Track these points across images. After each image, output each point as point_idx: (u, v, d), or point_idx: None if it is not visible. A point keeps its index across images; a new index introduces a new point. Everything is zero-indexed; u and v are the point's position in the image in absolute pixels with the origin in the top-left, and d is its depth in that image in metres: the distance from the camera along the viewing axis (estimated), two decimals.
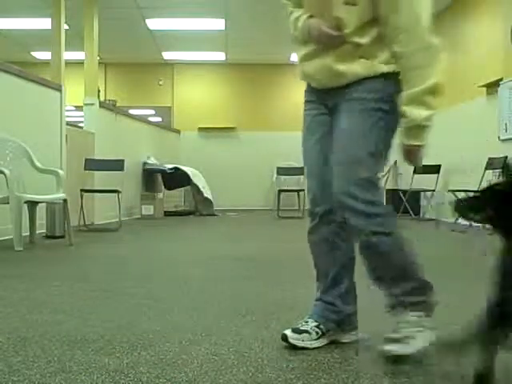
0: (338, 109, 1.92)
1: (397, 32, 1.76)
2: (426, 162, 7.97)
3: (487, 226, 1.62)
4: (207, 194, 10.02)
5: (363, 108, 1.85)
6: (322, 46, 1.88)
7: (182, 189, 10.71)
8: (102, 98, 9.57)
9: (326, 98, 1.96)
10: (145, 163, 9.93)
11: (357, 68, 1.85)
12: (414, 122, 1.79)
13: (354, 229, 1.85)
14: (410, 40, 1.76)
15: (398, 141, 1.86)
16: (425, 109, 1.79)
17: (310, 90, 2.04)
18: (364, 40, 1.82)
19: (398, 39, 1.77)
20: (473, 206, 1.60)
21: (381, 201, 1.87)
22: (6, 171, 4.87)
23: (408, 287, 1.84)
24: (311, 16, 1.90)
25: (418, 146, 1.84)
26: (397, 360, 1.75)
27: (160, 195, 9.71)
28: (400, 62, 1.79)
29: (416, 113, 1.78)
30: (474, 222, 1.66)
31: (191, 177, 9.87)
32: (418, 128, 1.81)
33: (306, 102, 2.05)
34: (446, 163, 8.39)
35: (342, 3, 1.78)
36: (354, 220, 1.82)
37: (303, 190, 9.84)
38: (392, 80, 1.82)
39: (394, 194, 9.49)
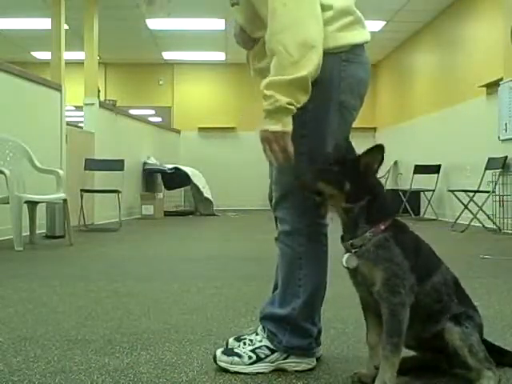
0: None
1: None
2: (426, 162, 8.00)
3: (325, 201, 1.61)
4: (207, 193, 10.02)
5: None
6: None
7: (182, 189, 10.71)
8: (102, 98, 9.57)
9: None
10: (145, 163, 9.93)
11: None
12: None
13: None
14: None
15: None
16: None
17: None
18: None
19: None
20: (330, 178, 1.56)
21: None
22: (6, 171, 4.87)
23: None
24: None
25: (273, 132, 1.58)
26: None
27: (160, 195, 9.71)
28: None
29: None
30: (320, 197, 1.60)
31: (191, 177, 9.87)
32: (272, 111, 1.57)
33: None
34: (446, 163, 8.40)
35: (231, 6, 1.77)
36: None
37: None
38: None
39: (393, 194, 9.50)
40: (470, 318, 1.57)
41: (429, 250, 1.64)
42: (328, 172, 1.58)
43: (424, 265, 1.57)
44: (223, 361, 1.75)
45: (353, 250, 1.57)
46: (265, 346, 1.75)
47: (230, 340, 1.91)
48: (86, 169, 7.39)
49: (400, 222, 1.62)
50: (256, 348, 1.76)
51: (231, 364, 1.74)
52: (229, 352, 1.77)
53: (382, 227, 1.55)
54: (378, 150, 1.54)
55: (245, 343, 1.79)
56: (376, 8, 8.82)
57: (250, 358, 1.74)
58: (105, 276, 3.67)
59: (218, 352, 1.78)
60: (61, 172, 5.51)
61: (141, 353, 1.93)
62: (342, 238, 1.61)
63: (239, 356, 1.74)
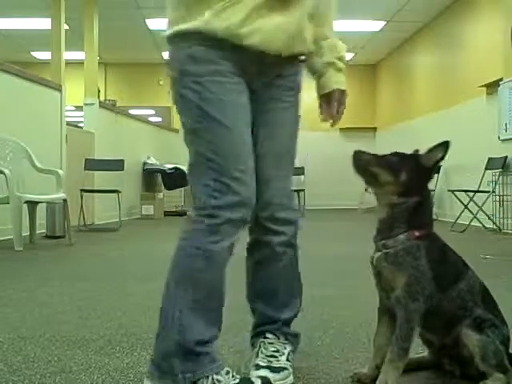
0: (270, 94, 1.61)
1: None
2: None
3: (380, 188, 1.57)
4: None
5: (296, 102, 1.68)
6: None
7: (182, 189, 10.70)
8: (102, 98, 9.57)
9: (257, 71, 1.56)
10: (145, 163, 9.92)
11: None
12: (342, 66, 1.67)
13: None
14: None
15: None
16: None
17: (232, 55, 1.50)
18: None
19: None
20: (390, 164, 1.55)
21: None
22: (6, 171, 4.87)
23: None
24: None
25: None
26: None
27: (160, 195, 9.71)
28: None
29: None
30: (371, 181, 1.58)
31: None
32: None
33: (220, 69, 1.50)
34: (446, 163, 8.37)
35: None
36: None
37: (303, 190, 9.84)
38: None
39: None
40: (494, 327, 1.55)
41: (455, 258, 1.63)
42: (388, 159, 1.57)
43: (448, 273, 1.57)
44: (278, 379, 1.59)
45: (384, 251, 1.55)
46: (290, 350, 1.69)
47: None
48: (86, 169, 7.39)
49: (434, 233, 1.61)
50: (288, 355, 1.67)
51: (286, 379, 1.62)
52: (277, 370, 1.61)
53: (417, 234, 1.53)
54: (441, 146, 1.54)
55: (278, 352, 1.67)
56: (376, 8, 8.82)
57: (291, 366, 1.66)
58: (105, 276, 3.67)
59: (269, 374, 1.59)
60: (61, 172, 5.52)
61: (141, 353, 1.93)
62: (375, 238, 1.60)
63: (287, 369, 1.63)
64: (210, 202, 1.46)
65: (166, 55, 1.60)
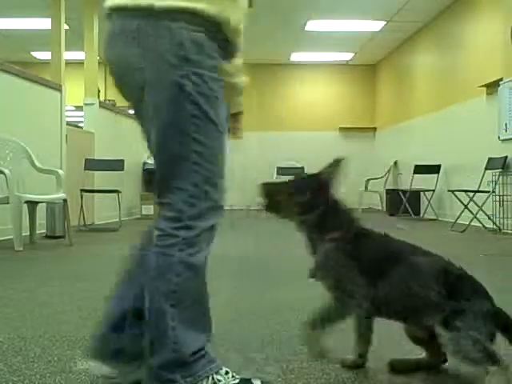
0: None
1: None
2: (426, 162, 7.97)
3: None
4: None
5: None
6: None
7: None
8: (101, 98, 9.57)
9: None
10: (145, 163, 9.92)
11: None
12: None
13: None
14: None
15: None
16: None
17: (221, 49, 1.45)
18: None
19: None
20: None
21: None
22: (6, 171, 4.87)
23: None
24: None
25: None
26: None
27: None
28: None
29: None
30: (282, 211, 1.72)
31: None
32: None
33: (216, 65, 1.44)
34: (446, 163, 8.40)
35: None
36: None
37: None
38: None
39: (393, 194, 9.51)
40: (460, 313, 1.47)
41: (390, 247, 1.66)
42: (287, 185, 1.70)
43: (376, 262, 1.61)
44: None
45: (312, 261, 1.67)
46: None
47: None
48: (85, 169, 7.39)
49: (357, 231, 1.67)
50: None
51: None
52: None
53: (330, 237, 1.63)
54: (334, 164, 1.67)
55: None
56: (376, 8, 8.82)
57: None
58: (105, 276, 3.66)
59: None
60: (61, 172, 5.52)
61: None
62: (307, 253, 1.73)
63: None
64: (186, 211, 1.39)
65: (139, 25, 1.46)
